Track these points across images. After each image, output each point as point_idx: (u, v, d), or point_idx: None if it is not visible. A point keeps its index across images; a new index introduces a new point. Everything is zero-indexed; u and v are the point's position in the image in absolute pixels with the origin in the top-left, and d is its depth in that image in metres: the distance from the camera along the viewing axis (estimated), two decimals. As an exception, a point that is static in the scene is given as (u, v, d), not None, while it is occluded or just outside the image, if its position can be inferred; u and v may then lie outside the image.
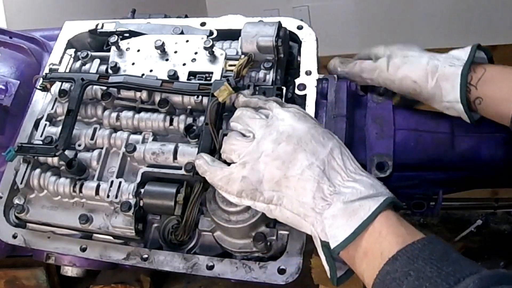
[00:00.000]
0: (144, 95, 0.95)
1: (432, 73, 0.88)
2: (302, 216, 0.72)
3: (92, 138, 0.95)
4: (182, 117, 0.93)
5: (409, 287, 0.60)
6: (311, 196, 0.71)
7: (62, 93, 0.98)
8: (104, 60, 1.02)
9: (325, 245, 0.69)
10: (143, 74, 0.97)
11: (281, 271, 0.80)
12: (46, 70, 1.04)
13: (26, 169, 0.93)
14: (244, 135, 0.79)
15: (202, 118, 0.91)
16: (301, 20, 1.01)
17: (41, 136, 0.96)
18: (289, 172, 0.72)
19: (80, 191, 0.90)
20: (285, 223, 0.76)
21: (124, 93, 0.96)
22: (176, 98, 0.94)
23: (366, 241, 0.67)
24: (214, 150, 0.85)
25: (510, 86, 0.82)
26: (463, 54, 0.88)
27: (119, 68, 0.98)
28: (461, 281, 0.56)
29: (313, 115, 0.89)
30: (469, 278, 0.56)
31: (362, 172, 0.74)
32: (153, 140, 0.93)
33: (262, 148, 0.75)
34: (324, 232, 0.69)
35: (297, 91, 0.93)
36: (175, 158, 0.88)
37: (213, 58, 0.96)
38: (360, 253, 0.68)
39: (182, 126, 0.91)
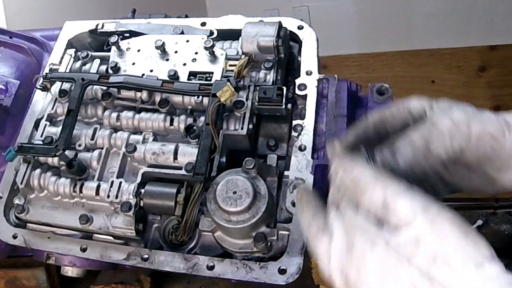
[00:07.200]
0: (144, 95, 0.95)
1: (507, 125, 0.65)
2: None
3: (92, 138, 0.94)
4: (183, 117, 0.92)
5: None
6: None
7: (62, 93, 0.98)
8: (104, 60, 1.02)
9: None
10: (143, 74, 0.97)
11: (282, 271, 0.80)
12: (46, 70, 1.04)
13: (26, 169, 0.93)
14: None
15: (202, 118, 0.91)
16: (301, 20, 1.01)
17: (41, 136, 0.96)
18: None
19: (81, 191, 0.90)
20: None
21: (125, 93, 0.96)
22: (177, 98, 0.93)
23: None
24: (214, 150, 0.85)
25: None
26: None
27: (119, 68, 0.98)
28: None
29: (313, 115, 0.90)
30: None
31: None
32: (153, 140, 0.93)
33: None
34: None
35: (297, 91, 0.93)
36: (175, 158, 0.88)
37: (213, 58, 0.96)
38: None
39: (182, 126, 0.91)
